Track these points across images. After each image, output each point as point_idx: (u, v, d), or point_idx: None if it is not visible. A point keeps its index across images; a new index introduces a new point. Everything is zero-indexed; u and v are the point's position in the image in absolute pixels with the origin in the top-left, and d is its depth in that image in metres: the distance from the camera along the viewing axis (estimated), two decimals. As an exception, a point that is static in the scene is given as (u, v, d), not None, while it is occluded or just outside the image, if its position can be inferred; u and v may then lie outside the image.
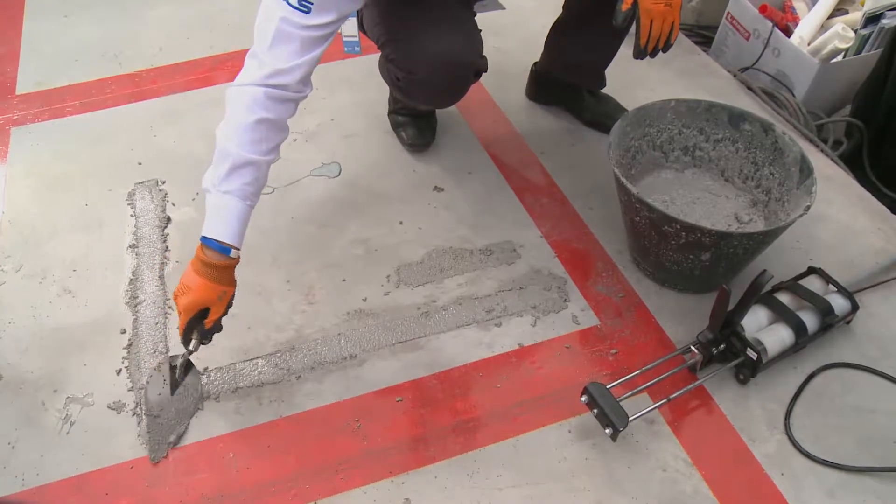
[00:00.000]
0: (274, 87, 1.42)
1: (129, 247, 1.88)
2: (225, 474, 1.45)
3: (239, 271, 1.80)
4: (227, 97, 1.45)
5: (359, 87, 2.37)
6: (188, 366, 1.58)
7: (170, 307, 1.73)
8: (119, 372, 1.62)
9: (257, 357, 1.64)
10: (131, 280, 1.80)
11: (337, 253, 1.86)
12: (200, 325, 1.47)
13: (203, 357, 1.63)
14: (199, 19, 2.71)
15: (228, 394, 1.58)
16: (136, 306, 1.74)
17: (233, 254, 1.44)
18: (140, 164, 2.11)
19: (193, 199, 1.99)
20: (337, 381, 1.60)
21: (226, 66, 2.46)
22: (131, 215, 1.96)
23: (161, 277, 1.80)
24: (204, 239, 1.42)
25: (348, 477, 1.44)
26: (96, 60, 2.52)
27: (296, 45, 1.41)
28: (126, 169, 2.10)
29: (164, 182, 2.05)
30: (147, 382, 1.59)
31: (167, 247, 1.88)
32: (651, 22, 1.54)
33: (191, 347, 1.51)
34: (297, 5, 1.38)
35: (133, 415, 1.54)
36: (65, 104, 2.34)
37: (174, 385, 1.56)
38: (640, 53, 1.60)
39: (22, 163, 2.14)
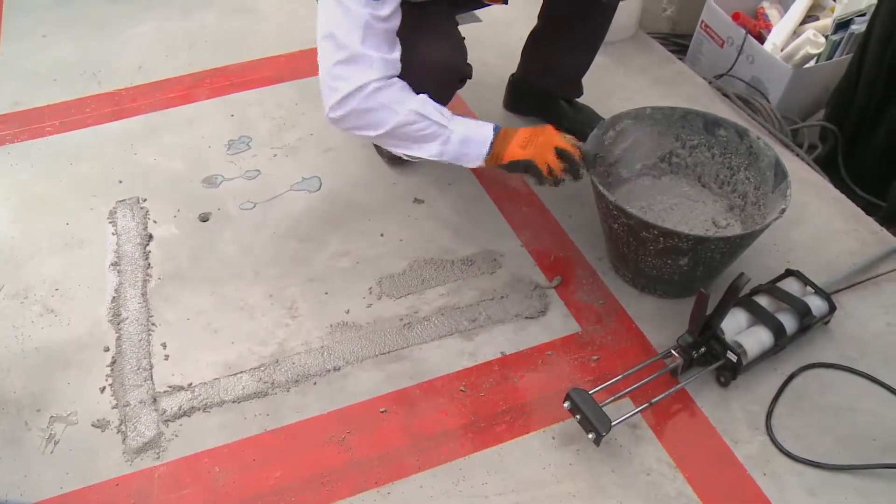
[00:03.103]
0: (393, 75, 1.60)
1: (111, 265, 1.88)
2: (211, 489, 1.45)
3: (220, 286, 1.82)
4: (358, 103, 1.57)
5: (338, 101, 2.38)
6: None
7: (153, 324, 1.73)
8: (103, 390, 1.62)
9: (241, 372, 1.64)
10: (114, 298, 1.80)
11: (319, 266, 1.87)
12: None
13: (187, 373, 1.64)
14: (177, 37, 2.71)
15: (213, 409, 1.58)
16: (119, 324, 1.74)
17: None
18: (121, 182, 2.11)
19: (175, 216, 2.00)
20: (321, 394, 1.60)
21: (205, 84, 2.47)
22: (113, 233, 1.96)
23: (144, 295, 1.80)
24: (491, 144, 1.63)
25: (334, 489, 1.45)
26: (75, 79, 2.52)
27: (385, 38, 1.56)
28: (106, 187, 2.10)
29: (145, 200, 2.05)
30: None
31: (149, 264, 1.88)
32: None
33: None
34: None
35: (117, 432, 1.54)
36: (44, 124, 2.33)
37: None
38: None
39: (1, 183, 2.13)
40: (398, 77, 1.61)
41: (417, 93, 1.65)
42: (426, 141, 1.62)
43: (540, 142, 1.62)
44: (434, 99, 1.74)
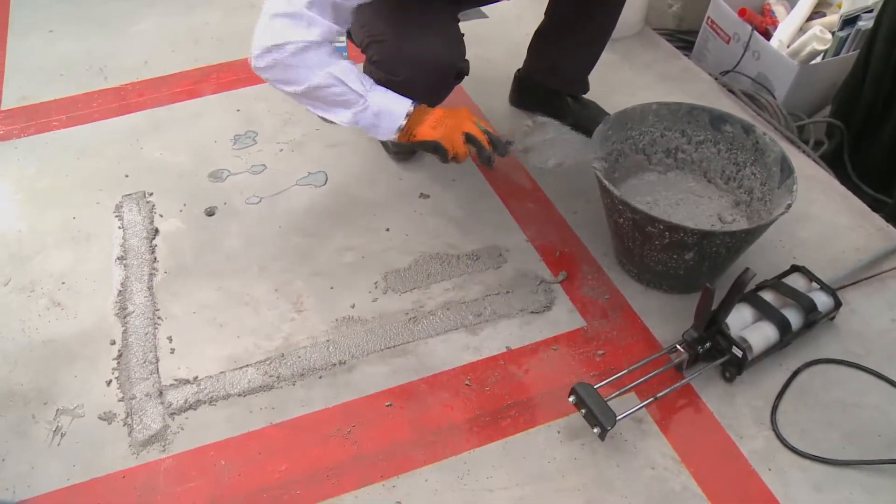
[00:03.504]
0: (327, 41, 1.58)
1: (118, 259, 1.88)
2: (217, 482, 1.46)
3: (226, 281, 1.83)
4: (282, 56, 1.56)
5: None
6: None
7: (159, 317, 1.74)
8: (109, 383, 1.62)
9: (247, 365, 1.65)
10: (120, 291, 1.80)
11: (324, 261, 1.87)
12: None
13: (193, 366, 1.64)
14: (183, 33, 2.72)
15: (219, 402, 1.58)
16: (125, 317, 1.75)
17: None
18: (127, 176, 2.12)
19: (181, 210, 2.00)
20: (326, 388, 1.61)
21: (211, 79, 2.47)
22: (119, 227, 1.97)
23: (150, 288, 1.81)
24: (405, 120, 1.64)
25: (340, 482, 1.45)
26: (81, 75, 2.53)
27: (333, 10, 1.55)
28: (113, 181, 2.10)
29: (151, 194, 2.06)
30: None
31: (155, 258, 1.88)
32: None
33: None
34: None
35: (124, 425, 1.54)
36: (51, 118, 2.34)
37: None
38: None
39: (8, 178, 2.14)
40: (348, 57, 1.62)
41: (412, 88, 1.65)
42: (341, 106, 1.62)
43: (450, 124, 1.65)
44: (430, 94, 1.75)
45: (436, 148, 1.67)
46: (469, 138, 1.66)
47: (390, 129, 1.65)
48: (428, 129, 1.65)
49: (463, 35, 1.82)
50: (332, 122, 1.67)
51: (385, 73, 1.73)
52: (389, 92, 1.65)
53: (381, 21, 1.72)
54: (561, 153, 1.75)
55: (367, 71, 1.87)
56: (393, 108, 1.64)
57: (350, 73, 1.59)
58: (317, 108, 1.65)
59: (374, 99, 1.62)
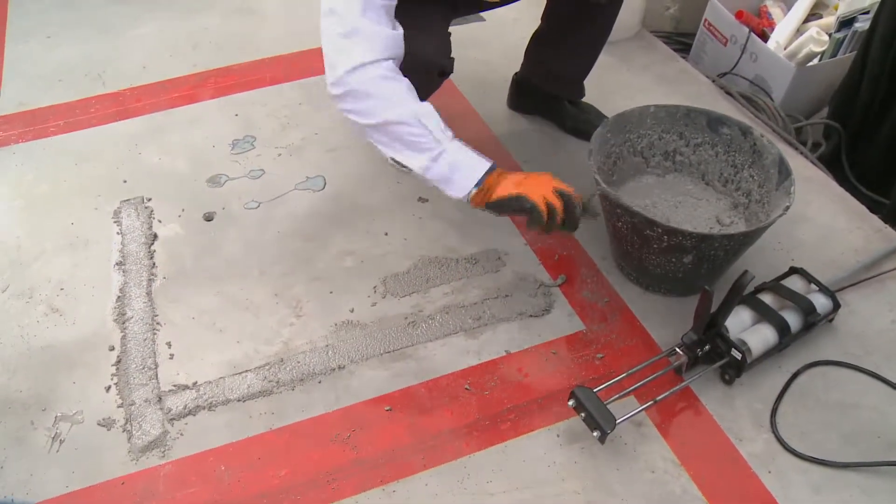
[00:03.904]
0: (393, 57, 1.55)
1: (116, 264, 1.88)
2: (216, 488, 1.45)
3: (226, 285, 1.82)
4: (358, 84, 1.51)
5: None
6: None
7: (158, 323, 1.74)
8: (108, 389, 1.62)
9: (246, 370, 1.65)
10: (119, 297, 1.80)
11: (323, 265, 1.87)
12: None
13: (193, 372, 1.64)
14: (181, 38, 2.72)
15: (218, 407, 1.58)
16: (124, 323, 1.74)
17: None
18: (125, 181, 2.12)
19: (179, 216, 2.00)
20: (326, 393, 1.61)
21: (209, 84, 2.47)
22: (117, 233, 1.96)
23: (149, 294, 1.81)
24: (483, 177, 1.54)
25: (339, 487, 1.45)
26: (80, 80, 2.53)
27: (385, 13, 1.52)
28: (111, 187, 2.10)
29: (149, 199, 2.06)
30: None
31: (154, 263, 1.88)
32: None
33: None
34: None
35: (123, 431, 1.54)
36: (48, 124, 2.34)
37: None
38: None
39: (6, 183, 2.14)
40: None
41: None
42: (415, 150, 1.53)
43: (534, 181, 1.55)
44: (415, 90, 1.74)
45: (522, 205, 1.53)
46: (560, 194, 1.53)
47: (465, 185, 1.54)
48: (510, 186, 1.53)
49: (450, 34, 1.81)
50: (403, 168, 1.60)
51: None
52: (471, 150, 1.56)
53: None
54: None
55: None
56: (471, 163, 1.54)
57: (431, 117, 1.52)
58: (390, 147, 1.56)
59: (453, 151, 1.53)
